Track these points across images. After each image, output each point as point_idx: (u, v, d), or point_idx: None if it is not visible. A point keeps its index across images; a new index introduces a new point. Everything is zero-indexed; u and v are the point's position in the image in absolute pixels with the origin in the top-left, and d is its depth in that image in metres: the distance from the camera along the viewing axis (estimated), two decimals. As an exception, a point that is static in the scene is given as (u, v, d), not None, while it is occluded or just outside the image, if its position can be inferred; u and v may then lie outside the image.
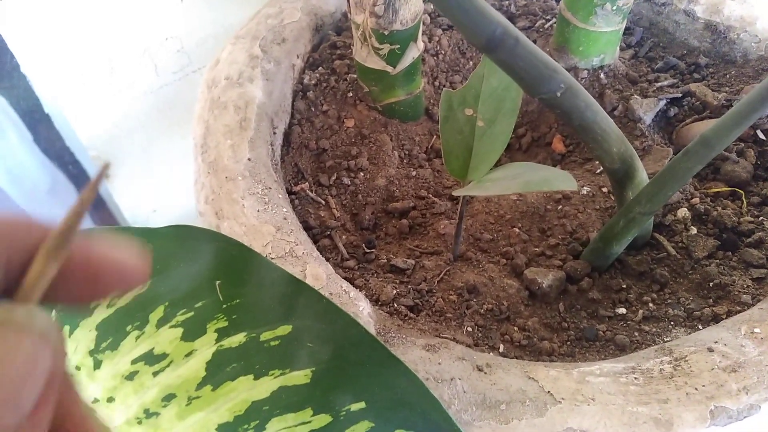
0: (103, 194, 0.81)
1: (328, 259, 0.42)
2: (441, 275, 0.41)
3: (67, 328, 0.34)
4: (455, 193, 0.33)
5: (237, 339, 0.31)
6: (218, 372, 0.31)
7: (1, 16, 0.57)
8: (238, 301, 0.32)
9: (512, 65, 0.27)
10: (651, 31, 0.59)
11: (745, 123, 0.31)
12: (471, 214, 0.46)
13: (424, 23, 0.57)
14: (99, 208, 0.82)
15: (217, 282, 0.32)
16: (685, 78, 0.54)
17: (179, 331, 0.32)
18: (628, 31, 0.58)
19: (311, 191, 0.46)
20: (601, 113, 0.33)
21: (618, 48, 0.53)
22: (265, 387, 0.31)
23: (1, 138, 0.63)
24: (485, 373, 0.33)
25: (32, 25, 0.61)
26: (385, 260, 0.42)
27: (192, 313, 0.32)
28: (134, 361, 0.32)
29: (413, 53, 0.48)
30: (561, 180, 0.28)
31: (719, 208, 0.43)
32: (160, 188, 0.75)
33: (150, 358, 0.32)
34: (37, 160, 0.71)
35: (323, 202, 0.46)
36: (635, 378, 0.33)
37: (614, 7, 0.47)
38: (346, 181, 0.48)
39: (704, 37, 0.55)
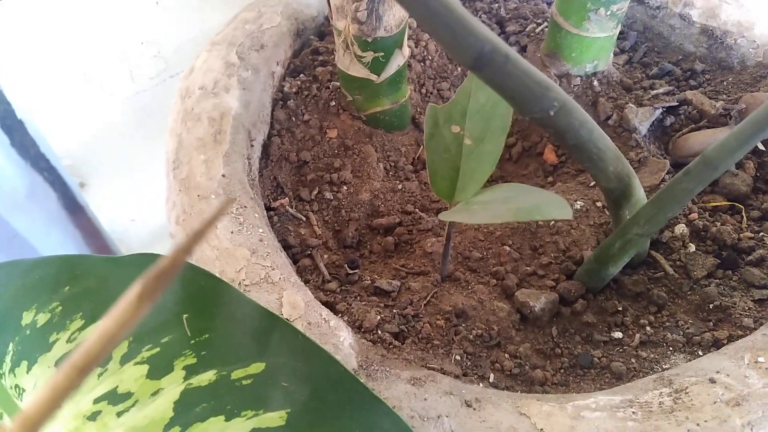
0: (81, 202, 0.78)
1: (308, 281, 0.40)
2: (428, 298, 0.39)
3: (25, 363, 0.32)
4: (441, 217, 0.31)
5: (206, 377, 0.29)
6: (187, 412, 0.29)
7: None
8: (207, 336, 0.29)
9: (502, 84, 0.25)
10: (645, 36, 0.57)
11: (750, 142, 0.29)
12: (459, 230, 0.44)
13: (410, 27, 0.55)
14: (78, 214, 0.79)
15: (185, 315, 0.30)
16: (681, 85, 0.52)
17: (145, 368, 0.30)
18: (621, 35, 0.56)
19: (291, 207, 0.44)
20: (597, 131, 0.31)
21: (612, 54, 0.51)
22: (237, 429, 0.28)
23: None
24: (474, 409, 0.31)
25: (1, 30, 0.58)
26: (369, 281, 0.40)
27: (158, 349, 0.30)
28: (97, 401, 0.30)
29: (398, 61, 0.46)
30: (555, 208, 0.26)
31: (718, 224, 0.42)
32: (138, 197, 0.72)
33: (114, 397, 0.30)
34: (14, 165, 0.68)
35: (304, 218, 0.44)
36: (633, 412, 0.31)
37: (608, 12, 0.45)
38: (329, 195, 0.45)
39: (700, 42, 0.53)
